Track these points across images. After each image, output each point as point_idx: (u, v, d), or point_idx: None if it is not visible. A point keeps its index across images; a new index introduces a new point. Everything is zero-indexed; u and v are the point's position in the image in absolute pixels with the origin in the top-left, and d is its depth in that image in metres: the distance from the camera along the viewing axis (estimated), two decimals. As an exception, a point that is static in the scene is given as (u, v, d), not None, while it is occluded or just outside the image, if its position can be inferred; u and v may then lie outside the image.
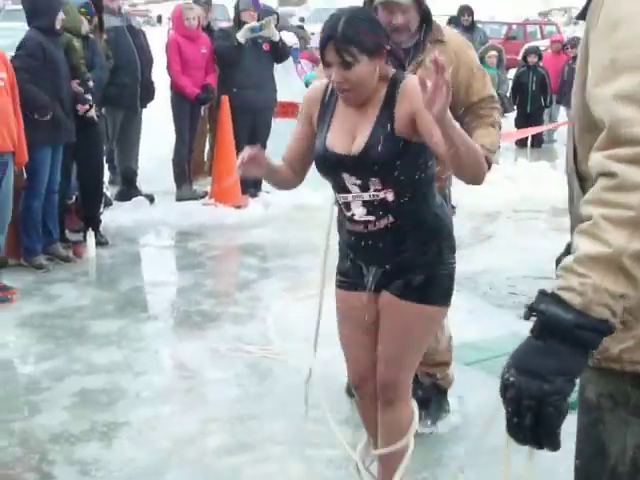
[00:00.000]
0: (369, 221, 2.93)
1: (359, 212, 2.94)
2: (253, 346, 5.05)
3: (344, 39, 2.77)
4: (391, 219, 2.92)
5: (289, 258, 6.96)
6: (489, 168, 3.86)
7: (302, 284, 5.98)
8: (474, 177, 2.79)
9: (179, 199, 8.59)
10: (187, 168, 8.79)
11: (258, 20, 8.60)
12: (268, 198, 8.62)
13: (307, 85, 9.17)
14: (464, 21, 12.75)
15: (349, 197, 2.94)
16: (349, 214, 2.97)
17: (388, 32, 3.61)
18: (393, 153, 2.84)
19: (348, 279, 3.11)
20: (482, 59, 10.50)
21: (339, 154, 2.91)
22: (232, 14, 9.92)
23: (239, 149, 8.20)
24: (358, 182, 2.90)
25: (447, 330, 4.05)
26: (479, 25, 14.66)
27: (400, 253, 2.95)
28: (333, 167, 2.94)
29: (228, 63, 8.50)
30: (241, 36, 8.37)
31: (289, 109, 9.02)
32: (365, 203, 2.92)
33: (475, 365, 4.68)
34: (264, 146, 8.55)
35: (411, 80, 2.87)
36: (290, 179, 3.14)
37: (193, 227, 7.94)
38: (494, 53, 12.15)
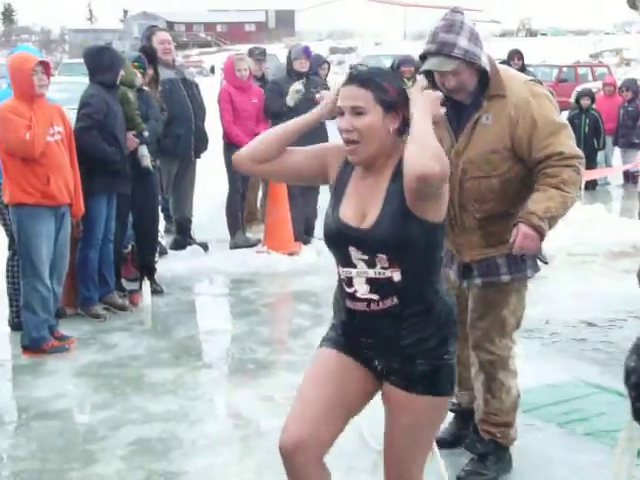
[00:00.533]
0: (372, 300, 2.79)
1: (362, 289, 2.80)
2: (308, 394, 5.02)
3: (364, 82, 2.76)
4: (395, 301, 2.77)
5: (343, 305, 6.92)
6: (542, 239, 3.55)
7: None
8: (415, 171, 2.60)
9: (233, 247, 8.65)
10: (240, 216, 8.86)
11: (310, 68, 8.70)
12: (320, 245, 8.62)
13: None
14: (514, 65, 12.69)
15: (352, 272, 2.81)
16: (350, 291, 2.83)
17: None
18: (402, 231, 2.71)
19: (342, 341, 2.91)
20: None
21: (350, 226, 2.79)
22: (284, 62, 10.03)
23: (291, 197, 8.40)
24: (365, 257, 2.76)
25: (515, 390, 3.94)
26: (530, 69, 14.62)
27: (404, 340, 2.77)
28: (341, 239, 2.82)
29: (278, 122, 8.57)
30: (290, 100, 8.42)
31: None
32: (369, 280, 2.77)
33: (532, 412, 4.57)
34: (316, 193, 8.63)
35: None
36: (278, 154, 3.29)
37: (247, 275, 7.97)
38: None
